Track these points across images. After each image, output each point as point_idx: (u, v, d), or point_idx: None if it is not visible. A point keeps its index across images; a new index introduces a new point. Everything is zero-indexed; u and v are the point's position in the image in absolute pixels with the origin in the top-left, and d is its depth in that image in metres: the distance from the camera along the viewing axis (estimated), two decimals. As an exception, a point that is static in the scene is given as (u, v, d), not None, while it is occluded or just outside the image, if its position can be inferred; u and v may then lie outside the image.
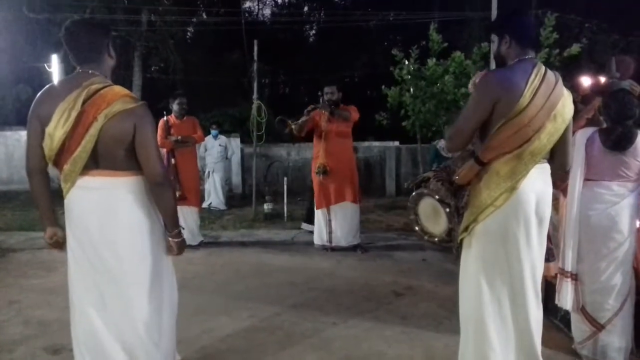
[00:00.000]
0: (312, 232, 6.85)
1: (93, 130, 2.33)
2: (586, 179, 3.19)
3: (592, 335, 3.21)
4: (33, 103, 2.46)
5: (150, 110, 2.51)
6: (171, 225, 2.60)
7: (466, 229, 2.60)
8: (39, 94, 2.48)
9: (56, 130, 2.34)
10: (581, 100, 3.73)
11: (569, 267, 3.23)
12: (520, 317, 2.57)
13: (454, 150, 2.71)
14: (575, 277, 3.22)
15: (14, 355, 3.40)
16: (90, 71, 2.46)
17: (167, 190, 2.55)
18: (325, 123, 6.24)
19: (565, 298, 3.24)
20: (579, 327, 3.30)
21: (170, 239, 2.62)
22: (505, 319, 2.58)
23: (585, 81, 3.91)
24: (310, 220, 7.16)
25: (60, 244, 2.61)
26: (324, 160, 6.23)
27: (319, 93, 6.35)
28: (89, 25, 2.56)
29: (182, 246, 2.66)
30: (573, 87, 4.19)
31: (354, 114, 6.23)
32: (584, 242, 3.20)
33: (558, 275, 3.33)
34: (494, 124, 2.45)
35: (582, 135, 3.24)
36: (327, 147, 6.25)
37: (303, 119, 6.20)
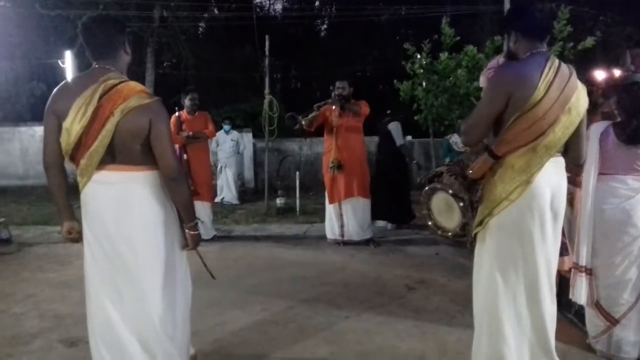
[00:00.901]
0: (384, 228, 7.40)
1: (110, 125, 2.35)
2: (600, 173, 3.16)
3: (606, 330, 3.19)
4: (49, 98, 2.48)
5: (164, 106, 2.54)
6: (187, 218, 2.63)
7: (481, 223, 2.59)
8: (55, 90, 2.51)
9: (73, 125, 2.36)
10: (602, 94, 3.70)
11: (583, 261, 3.20)
12: (535, 312, 2.56)
13: (470, 145, 2.69)
14: (589, 271, 3.20)
15: (31, 347, 3.45)
16: (106, 66, 2.48)
17: (182, 184, 2.57)
18: (336, 118, 6.25)
19: (580, 293, 3.21)
20: (593, 322, 3.28)
21: (187, 231, 2.65)
22: (520, 314, 2.57)
23: (600, 74, 3.87)
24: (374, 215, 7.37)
25: (77, 239, 2.63)
26: (337, 155, 6.23)
27: (331, 87, 6.35)
28: (106, 22, 2.59)
29: (197, 240, 2.70)
30: (588, 81, 4.16)
31: (365, 108, 6.23)
32: (598, 236, 3.18)
33: (572, 270, 3.30)
34: (508, 118, 2.44)
35: (596, 129, 3.20)
36: (339, 142, 6.26)
37: (313, 114, 6.21)
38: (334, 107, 6.19)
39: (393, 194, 7.24)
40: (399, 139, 7.52)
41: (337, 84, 6.29)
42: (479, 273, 2.68)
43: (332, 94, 6.30)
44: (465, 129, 2.60)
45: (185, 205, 2.61)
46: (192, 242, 2.68)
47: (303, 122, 6.21)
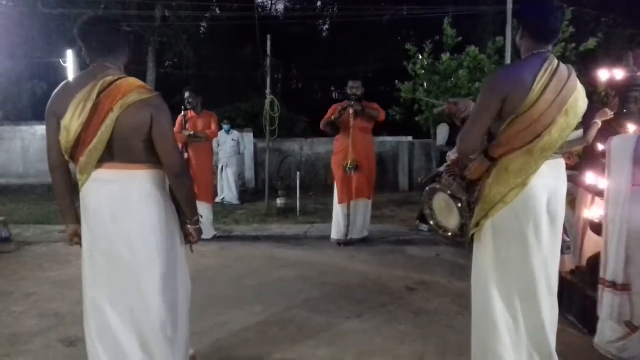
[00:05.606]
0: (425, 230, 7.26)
1: (109, 121, 2.34)
2: (634, 185, 3.05)
3: (625, 336, 3.10)
4: (50, 100, 2.48)
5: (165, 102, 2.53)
6: (190, 213, 2.64)
7: (477, 224, 2.58)
8: (55, 91, 2.50)
9: (72, 122, 2.36)
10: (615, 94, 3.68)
11: (611, 276, 3.10)
12: (532, 314, 2.55)
13: (466, 152, 2.61)
14: (619, 287, 3.08)
15: (30, 346, 3.45)
16: (105, 63, 2.48)
17: (186, 180, 2.57)
18: (352, 119, 6.23)
19: (608, 310, 3.11)
20: (611, 327, 3.17)
21: (189, 226, 2.66)
22: (516, 316, 2.55)
23: (602, 75, 3.86)
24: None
25: (79, 242, 2.62)
26: (355, 156, 6.22)
27: (331, 88, 6.36)
28: (108, 22, 2.59)
29: (200, 233, 2.73)
30: (589, 82, 4.14)
31: (381, 114, 6.27)
32: (633, 247, 3.06)
33: (599, 286, 3.20)
34: (504, 120, 2.43)
35: (626, 141, 3.12)
36: (354, 142, 6.22)
37: (343, 116, 6.20)
38: (353, 109, 6.16)
39: None
40: (441, 140, 7.49)
41: (351, 83, 6.26)
42: (475, 274, 2.68)
43: (346, 93, 6.31)
44: (462, 137, 2.55)
45: (189, 201, 2.62)
46: (196, 235, 2.71)
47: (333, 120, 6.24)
